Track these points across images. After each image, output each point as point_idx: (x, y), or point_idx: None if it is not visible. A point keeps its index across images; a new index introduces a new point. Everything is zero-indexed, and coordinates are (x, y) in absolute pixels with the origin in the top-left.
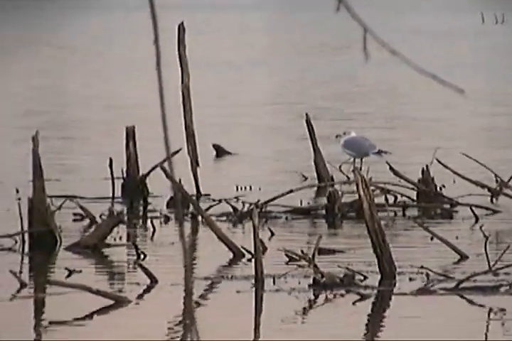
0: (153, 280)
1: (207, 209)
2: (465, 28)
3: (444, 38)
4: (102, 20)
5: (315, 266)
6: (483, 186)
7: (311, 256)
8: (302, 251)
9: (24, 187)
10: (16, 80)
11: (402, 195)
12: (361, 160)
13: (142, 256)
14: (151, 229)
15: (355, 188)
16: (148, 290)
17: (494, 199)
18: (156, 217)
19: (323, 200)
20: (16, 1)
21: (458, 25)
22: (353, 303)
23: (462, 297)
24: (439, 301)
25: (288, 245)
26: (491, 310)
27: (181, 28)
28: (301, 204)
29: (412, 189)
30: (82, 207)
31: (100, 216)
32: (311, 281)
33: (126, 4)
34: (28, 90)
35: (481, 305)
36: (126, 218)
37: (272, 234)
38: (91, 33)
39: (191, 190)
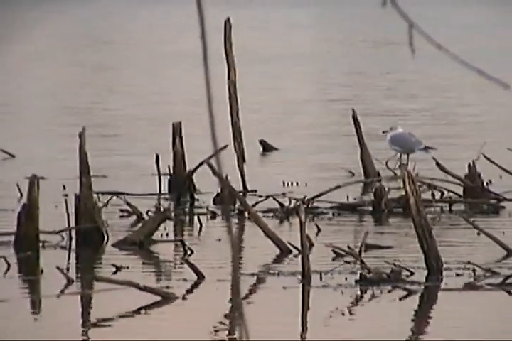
0: (200, 277)
1: (254, 205)
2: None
3: (488, 30)
4: (148, 14)
5: (362, 261)
6: None
7: (357, 252)
8: (349, 247)
9: (71, 183)
10: (59, 75)
11: (448, 191)
12: (407, 155)
13: (189, 252)
14: (198, 226)
15: (401, 184)
16: (195, 286)
17: None
18: (203, 213)
19: (370, 196)
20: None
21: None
22: (400, 299)
23: (509, 293)
24: (486, 297)
25: (335, 241)
26: None
27: (228, 24)
28: (347, 200)
29: (459, 184)
30: (128, 204)
31: (147, 212)
32: (357, 277)
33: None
34: (72, 86)
35: None
36: (172, 214)
37: (319, 229)
38: (136, 28)
39: (238, 186)
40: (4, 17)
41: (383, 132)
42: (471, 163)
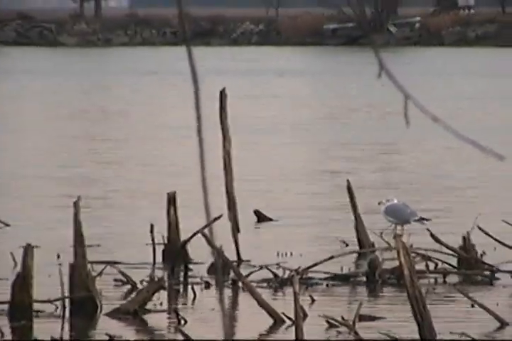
0: None
1: (247, 275)
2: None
3: (482, 101)
4: (140, 83)
5: (355, 332)
6: None
7: (351, 323)
8: (343, 318)
9: (65, 252)
10: (52, 145)
11: (442, 262)
12: (402, 226)
13: (183, 322)
14: (192, 295)
15: (396, 255)
16: None
17: None
18: (197, 283)
19: (364, 267)
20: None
21: (493, 87)
22: None
23: None
24: None
25: (328, 311)
26: None
27: (223, 94)
28: (341, 270)
29: (453, 255)
30: (122, 273)
31: (141, 282)
32: None
33: (156, 69)
34: (65, 156)
35: None
36: (166, 284)
37: (313, 300)
38: (130, 97)
39: (232, 256)
40: None
41: (379, 203)
42: (466, 235)
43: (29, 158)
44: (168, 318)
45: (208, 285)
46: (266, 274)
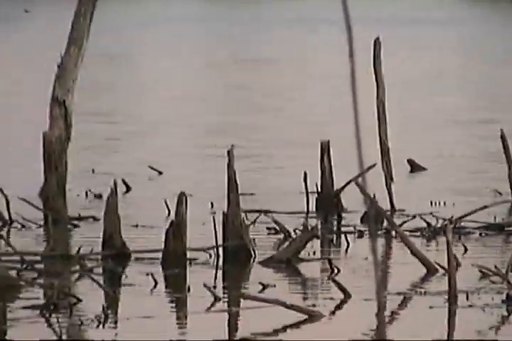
0: (347, 295)
1: (401, 224)
2: None
3: None
4: (294, 32)
5: (508, 282)
6: None
7: (504, 272)
8: (496, 267)
9: (219, 201)
10: (207, 95)
11: None
12: None
13: (336, 271)
14: (345, 244)
15: None
16: (341, 305)
17: None
18: (350, 232)
19: None
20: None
21: None
22: None
23: None
24: None
25: (481, 261)
26: None
27: (377, 43)
28: (495, 220)
29: None
30: (276, 222)
31: (294, 230)
32: (504, 297)
33: (316, 17)
34: (221, 105)
35: None
36: (320, 233)
37: (466, 249)
38: (281, 46)
39: (385, 205)
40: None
41: None
42: None
43: (180, 106)
44: (321, 267)
45: (361, 235)
46: (419, 223)
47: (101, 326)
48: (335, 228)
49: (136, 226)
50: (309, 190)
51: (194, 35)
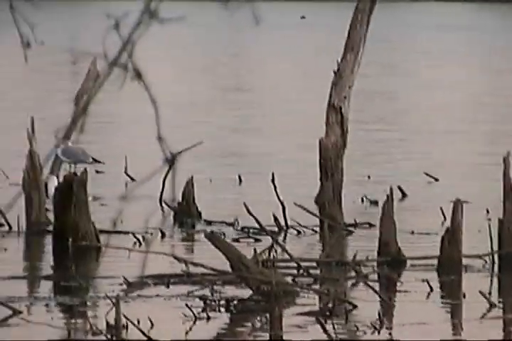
0: None
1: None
2: None
3: None
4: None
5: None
6: None
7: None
8: None
9: (495, 208)
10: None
11: None
12: None
13: None
14: None
15: None
16: None
17: None
18: None
19: None
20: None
21: None
22: None
23: None
24: None
25: None
26: None
27: None
28: None
29: None
30: None
31: None
32: None
33: None
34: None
35: None
36: None
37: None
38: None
39: None
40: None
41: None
42: None
43: (452, 113)
44: None
45: None
46: None
47: (376, 332)
48: None
49: (412, 232)
50: None
51: (468, 43)
